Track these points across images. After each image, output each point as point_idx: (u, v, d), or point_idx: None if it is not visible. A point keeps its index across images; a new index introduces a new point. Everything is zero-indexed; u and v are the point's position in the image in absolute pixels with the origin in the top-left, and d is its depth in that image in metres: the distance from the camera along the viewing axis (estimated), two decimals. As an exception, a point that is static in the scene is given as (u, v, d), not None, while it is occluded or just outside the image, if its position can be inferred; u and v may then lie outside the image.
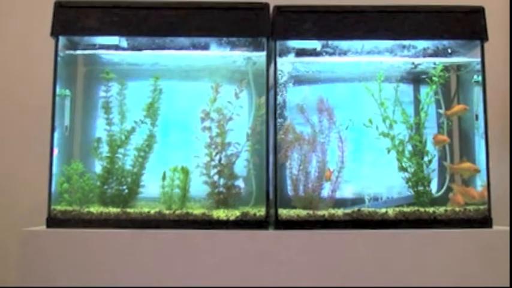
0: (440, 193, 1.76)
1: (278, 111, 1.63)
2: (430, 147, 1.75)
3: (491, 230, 1.58)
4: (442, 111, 1.77)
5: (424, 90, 1.77)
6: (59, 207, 1.61)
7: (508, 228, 1.59)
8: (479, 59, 1.66)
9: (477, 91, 1.70)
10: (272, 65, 1.66)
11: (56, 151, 1.61)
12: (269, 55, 1.65)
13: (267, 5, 1.65)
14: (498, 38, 2.04)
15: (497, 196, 1.96)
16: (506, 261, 1.51)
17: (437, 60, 1.75)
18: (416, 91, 1.82)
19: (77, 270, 1.49)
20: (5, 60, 2.06)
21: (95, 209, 1.61)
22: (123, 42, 1.71)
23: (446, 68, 1.76)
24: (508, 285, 1.50)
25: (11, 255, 1.58)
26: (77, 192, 1.67)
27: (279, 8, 1.65)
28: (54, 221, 1.58)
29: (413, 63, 1.77)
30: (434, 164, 1.76)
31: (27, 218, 1.68)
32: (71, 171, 1.68)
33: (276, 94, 1.63)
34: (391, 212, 1.60)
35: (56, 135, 1.62)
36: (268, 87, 1.62)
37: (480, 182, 1.67)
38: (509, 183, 2.02)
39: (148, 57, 1.76)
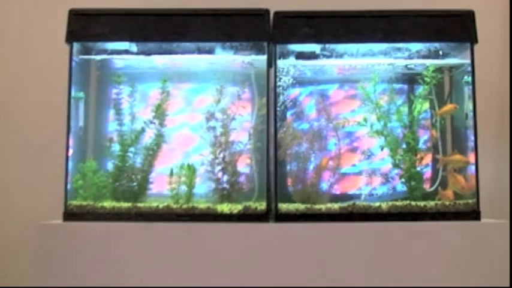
0: (433, 188, 1.82)
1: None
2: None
3: (479, 223, 1.64)
4: (433, 111, 1.84)
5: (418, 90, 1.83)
6: (74, 202, 1.67)
7: (494, 220, 1.66)
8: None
9: (467, 91, 1.76)
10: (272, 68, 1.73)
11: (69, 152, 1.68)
12: (269, 58, 1.71)
13: (267, 11, 1.70)
14: (492, 38, 2.10)
15: (494, 191, 2.05)
16: (492, 252, 1.57)
17: (430, 62, 1.80)
18: (410, 91, 1.88)
19: (91, 260, 1.55)
20: (25, 66, 2.10)
21: (108, 204, 1.67)
22: (133, 47, 1.77)
23: (439, 69, 1.81)
24: (506, 281, 1.56)
25: (30, 246, 1.63)
26: (91, 188, 1.72)
27: (278, 14, 1.71)
28: (70, 215, 1.65)
29: (406, 65, 1.83)
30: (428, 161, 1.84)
31: (45, 212, 1.73)
32: (85, 168, 1.73)
33: (276, 95, 1.70)
34: (384, 205, 1.66)
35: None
36: (268, 89, 1.69)
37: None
38: (509, 180, 2.07)
39: (156, 61, 1.82)
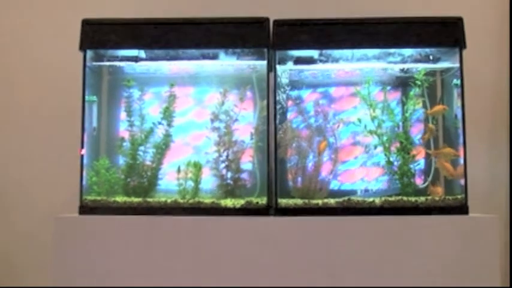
0: (425, 184, 1.89)
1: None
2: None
3: (468, 217, 1.69)
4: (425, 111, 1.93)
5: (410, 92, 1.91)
6: (89, 197, 1.74)
7: (481, 215, 1.73)
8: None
9: (456, 93, 1.83)
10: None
11: (83, 151, 1.76)
12: (270, 63, 1.78)
13: (267, 19, 1.77)
14: (484, 40, 2.18)
15: (488, 189, 2.14)
16: (480, 244, 1.64)
17: (422, 66, 1.87)
18: (403, 94, 1.95)
19: (104, 251, 1.62)
20: (43, 72, 2.16)
21: (120, 199, 1.74)
22: (142, 53, 1.84)
23: (430, 73, 1.89)
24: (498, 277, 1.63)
25: (48, 238, 1.69)
26: (104, 184, 1.80)
27: (277, 22, 1.78)
28: (85, 209, 1.72)
29: (401, 69, 1.91)
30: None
31: (62, 206, 1.82)
32: (99, 166, 1.81)
33: (275, 98, 1.78)
34: (377, 200, 1.73)
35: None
36: (269, 92, 1.77)
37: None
38: (509, 177, 2.12)
39: (163, 66, 1.91)
